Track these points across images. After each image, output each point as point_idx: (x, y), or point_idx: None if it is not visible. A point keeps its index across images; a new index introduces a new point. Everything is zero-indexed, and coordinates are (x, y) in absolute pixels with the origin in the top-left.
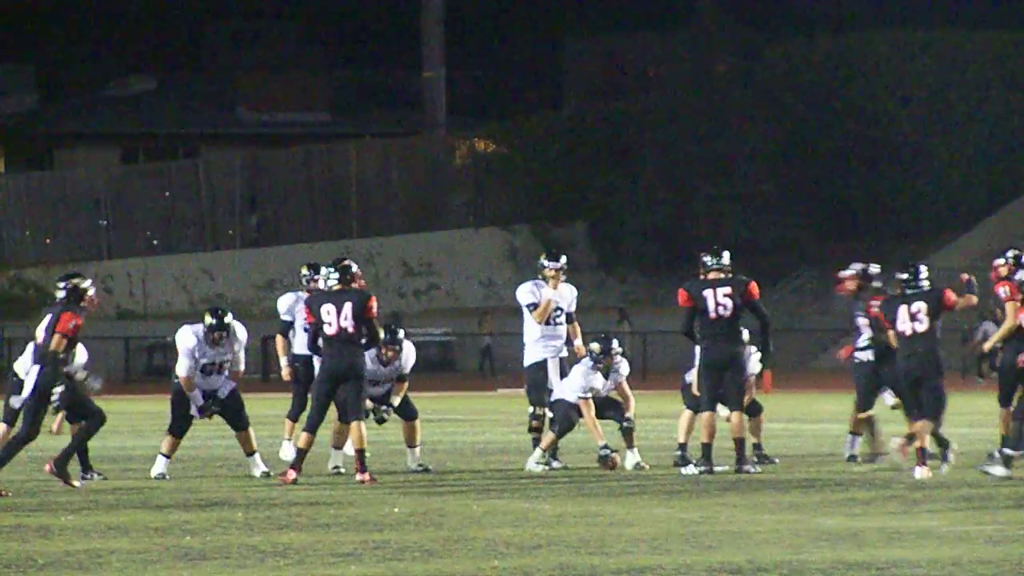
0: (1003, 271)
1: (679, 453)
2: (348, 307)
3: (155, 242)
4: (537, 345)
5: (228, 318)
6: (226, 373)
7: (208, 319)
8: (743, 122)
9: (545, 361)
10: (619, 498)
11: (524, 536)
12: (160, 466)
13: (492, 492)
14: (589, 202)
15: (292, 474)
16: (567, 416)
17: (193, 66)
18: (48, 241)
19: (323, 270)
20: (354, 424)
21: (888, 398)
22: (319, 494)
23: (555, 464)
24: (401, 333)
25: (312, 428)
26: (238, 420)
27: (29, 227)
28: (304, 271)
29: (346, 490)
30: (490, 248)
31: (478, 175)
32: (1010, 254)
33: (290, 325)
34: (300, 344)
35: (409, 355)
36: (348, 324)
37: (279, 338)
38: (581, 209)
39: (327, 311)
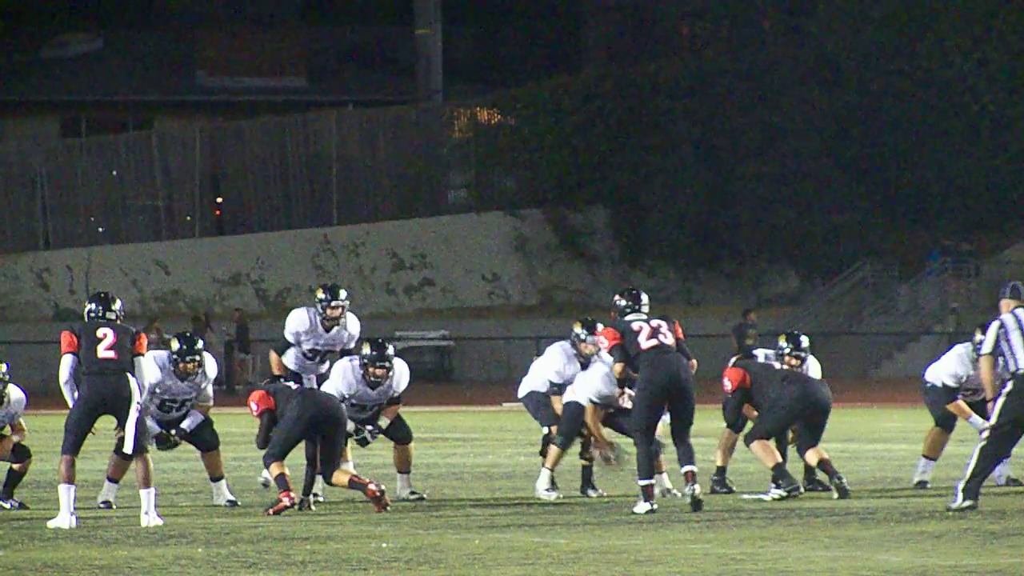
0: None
1: (716, 478)
2: None
3: (100, 229)
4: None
5: (199, 344)
6: (188, 409)
7: (175, 344)
8: (792, 89)
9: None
10: (645, 530)
11: None
12: (107, 492)
13: (497, 524)
14: (611, 183)
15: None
16: (575, 419)
17: (145, 23)
18: None
19: (342, 294)
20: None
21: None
22: (293, 527)
23: (591, 493)
24: (391, 349)
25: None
26: (208, 438)
27: None
28: (320, 295)
29: (325, 522)
30: (494, 237)
31: (480, 151)
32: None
33: (289, 347)
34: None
35: (402, 375)
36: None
37: (274, 356)
38: (602, 191)
39: None
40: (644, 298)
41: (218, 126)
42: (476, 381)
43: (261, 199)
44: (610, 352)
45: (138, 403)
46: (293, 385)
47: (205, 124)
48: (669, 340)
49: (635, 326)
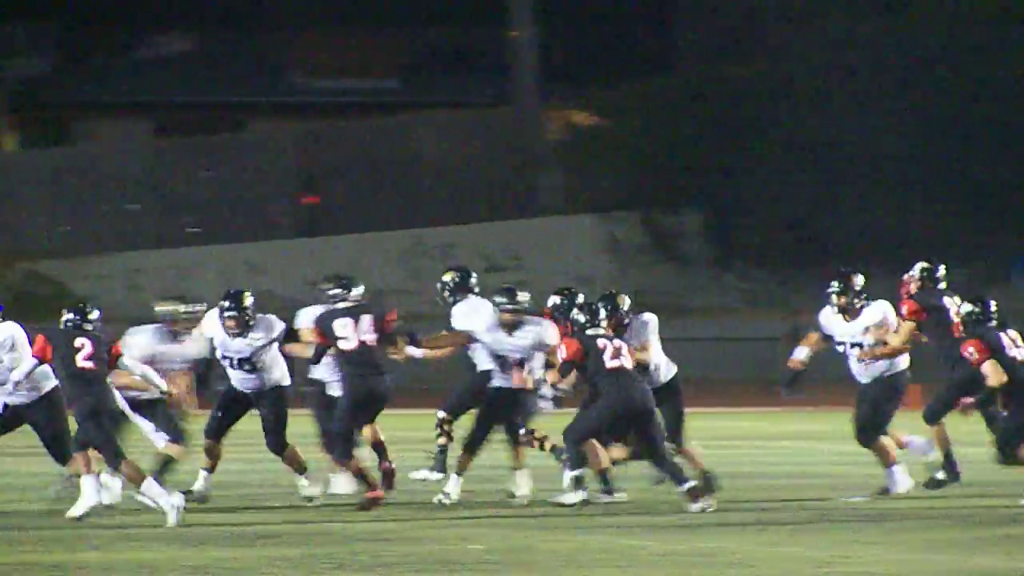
0: (912, 287)
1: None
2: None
3: (193, 230)
4: None
5: (247, 301)
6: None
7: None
8: (888, 91)
9: None
10: (738, 532)
11: None
12: (201, 482)
13: (590, 525)
14: (704, 185)
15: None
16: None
17: (238, 24)
18: (68, 229)
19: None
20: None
21: None
22: (385, 527)
23: (604, 498)
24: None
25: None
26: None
27: (46, 212)
28: (336, 290)
29: (417, 523)
30: (587, 239)
31: (573, 153)
32: (920, 267)
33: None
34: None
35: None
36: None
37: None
38: (695, 194)
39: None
40: (603, 313)
41: (311, 128)
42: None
43: (354, 200)
44: (561, 365)
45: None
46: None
47: (298, 126)
48: (630, 364)
49: (600, 343)
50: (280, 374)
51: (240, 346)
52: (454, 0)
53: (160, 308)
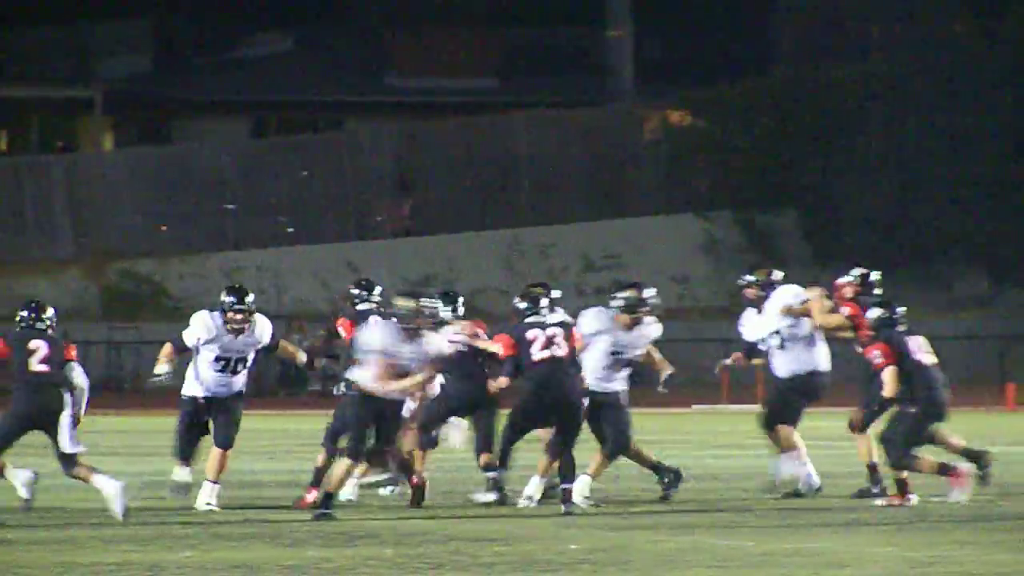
0: (848, 292)
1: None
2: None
3: (291, 230)
4: None
5: (248, 297)
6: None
7: (226, 296)
8: (983, 91)
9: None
10: (835, 532)
11: None
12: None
13: (686, 526)
14: (801, 184)
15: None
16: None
17: (336, 23)
18: (164, 228)
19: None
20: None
21: None
22: (482, 527)
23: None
24: (251, 296)
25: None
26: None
27: (142, 212)
28: (354, 290)
29: (513, 523)
30: (684, 238)
31: (671, 152)
32: (856, 272)
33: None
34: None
35: (264, 326)
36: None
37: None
38: (792, 193)
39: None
40: (544, 301)
41: (408, 127)
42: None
43: (452, 200)
44: (503, 360)
45: (70, 409)
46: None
47: (395, 125)
48: (562, 351)
49: (530, 335)
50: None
51: (241, 345)
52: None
53: (401, 303)
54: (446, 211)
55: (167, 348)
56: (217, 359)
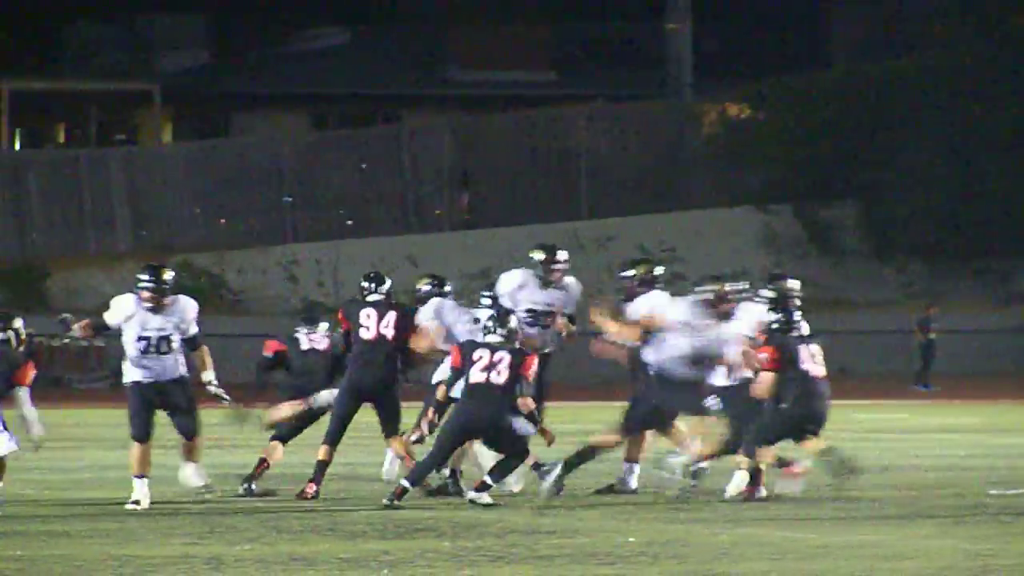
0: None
1: None
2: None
3: (349, 222)
4: None
5: (166, 275)
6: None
7: (142, 274)
8: None
9: None
10: (893, 524)
11: (782, 571)
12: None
13: (744, 519)
14: (861, 178)
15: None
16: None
17: (394, 16)
18: (222, 222)
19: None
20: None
21: None
22: (540, 521)
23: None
24: (170, 273)
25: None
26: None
27: (200, 205)
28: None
29: (570, 516)
30: (743, 232)
31: (729, 145)
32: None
33: None
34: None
35: (188, 304)
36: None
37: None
38: (851, 186)
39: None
40: (512, 323)
41: (466, 120)
42: None
43: (510, 193)
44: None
45: None
46: None
47: (453, 118)
48: (501, 380)
49: (476, 354)
50: (183, 361)
51: (160, 323)
52: None
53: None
54: (504, 204)
55: (85, 322)
56: (139, 338)
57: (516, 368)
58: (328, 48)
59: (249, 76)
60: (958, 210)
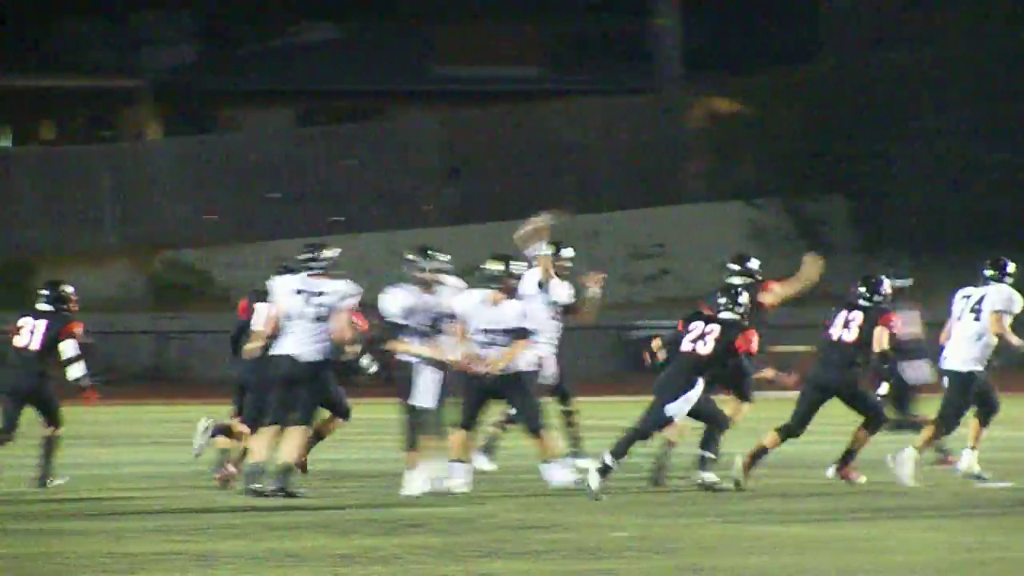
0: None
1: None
2: None
3: (338, 219)
4: None
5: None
6: None
7: None
8: None
9: None
10: (882, 518)
11: (769, 566)
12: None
13: (732, 513)
14: (849, 172)
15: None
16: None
17: (382, 12)
18: (214, 218)
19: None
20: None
21: None
22: (530, 516)
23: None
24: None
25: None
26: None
27: (189, 201)
28: (411, 256)
29: (561, 511)
30: (732, 226)
31: (718, 140)
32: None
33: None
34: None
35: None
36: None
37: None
38: (840, 180)
39: None
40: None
41: (454, 116)
42: None
43: (499, 188)
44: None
45: None
46: None
47: (441, 114)
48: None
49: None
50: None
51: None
52: None
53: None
54: (493, 199)
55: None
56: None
57: (727, 342)
58: (316, 44)
59: (237, 72)
60: (947, 204)
